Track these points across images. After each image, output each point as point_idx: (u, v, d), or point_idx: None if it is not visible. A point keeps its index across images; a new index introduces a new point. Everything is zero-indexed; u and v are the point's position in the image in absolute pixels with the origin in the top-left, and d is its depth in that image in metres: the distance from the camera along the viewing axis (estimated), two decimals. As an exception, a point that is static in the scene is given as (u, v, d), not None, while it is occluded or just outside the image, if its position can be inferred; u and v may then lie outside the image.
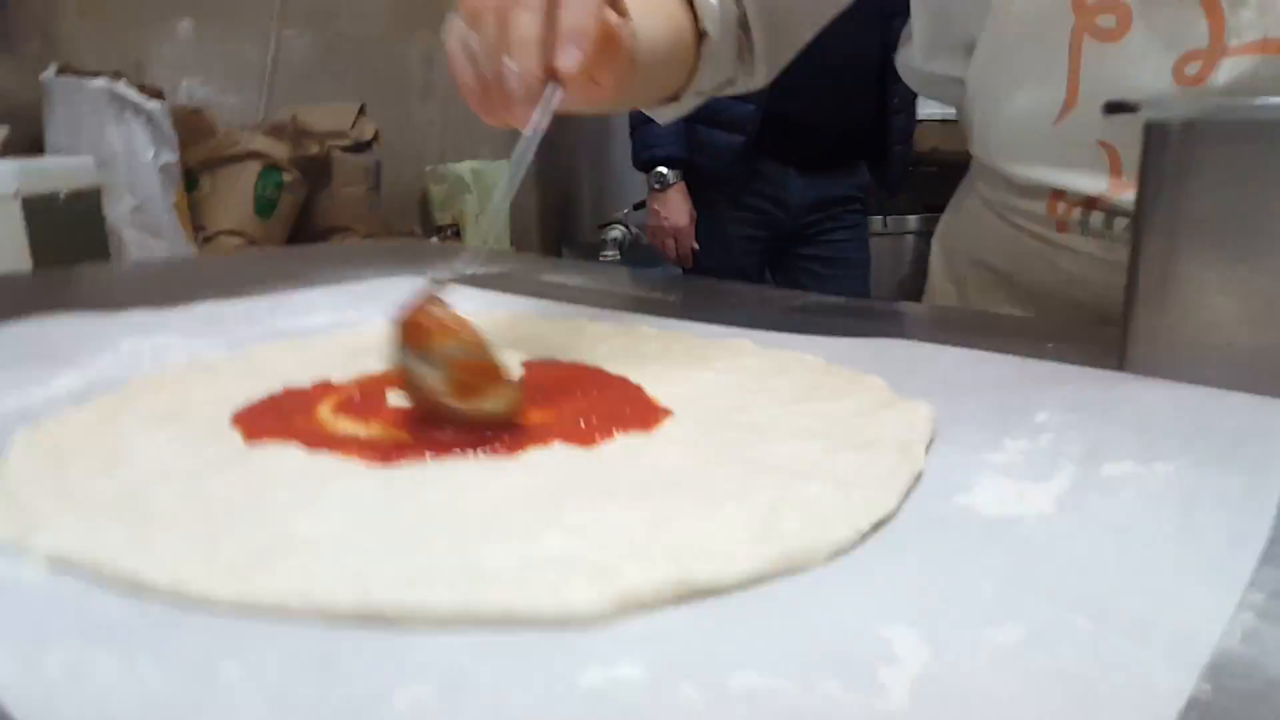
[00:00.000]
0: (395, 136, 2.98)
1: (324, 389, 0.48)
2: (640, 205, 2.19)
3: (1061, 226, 0.66)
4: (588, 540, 0.31)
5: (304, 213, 2.62)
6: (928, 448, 0.39)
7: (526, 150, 0.48)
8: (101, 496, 0.36)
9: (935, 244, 0.84)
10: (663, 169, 1.77)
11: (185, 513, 0.34)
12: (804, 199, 1.79)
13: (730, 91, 0.74)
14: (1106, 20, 0.59)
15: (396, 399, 0.46)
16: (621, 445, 0.40)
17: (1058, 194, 0.66)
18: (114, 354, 0.59)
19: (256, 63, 2.89)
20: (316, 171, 2.61)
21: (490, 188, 2.89)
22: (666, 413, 0.43)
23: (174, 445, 0.41)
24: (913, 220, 2.44)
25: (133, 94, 2.26)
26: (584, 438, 0.40)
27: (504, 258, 1.07)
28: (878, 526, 0.33)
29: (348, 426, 0.42)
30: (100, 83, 2.25)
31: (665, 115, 0.72)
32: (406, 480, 0.37)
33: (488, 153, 3.09)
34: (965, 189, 0.81)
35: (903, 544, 0.32)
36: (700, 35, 0.66)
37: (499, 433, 0.40)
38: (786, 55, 0.74)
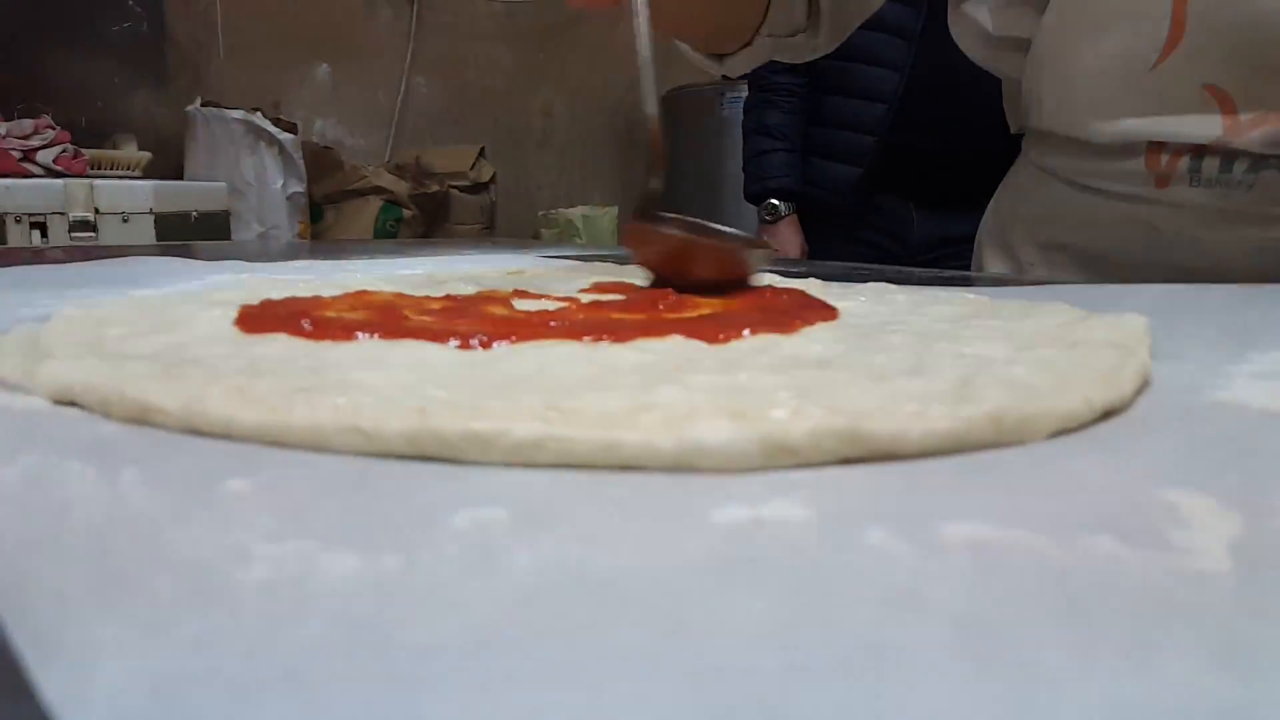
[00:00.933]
0: (511, 181, 3.02)
1: (411, 299, 0.42)
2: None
3: (1163, 181, 0.57)
4: (717, 394, 0.24)
5: (420, 248, 2.66)
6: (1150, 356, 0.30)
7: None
8: (133, 349, 0.30)
9: (981, 236, 0.75)
10: (775, 200, 1.70)
11: (225, 365, 0.28)
12: (924, 236, 1.68)
13: (794, 54, 0.71)
14: None
15: (495, 309, 0.40)
16: (752, 342, 0.32)
17: (1156, 145, 0.57)
18: (199, 281, 0.54)
19: (386, 107, 2.98)
20: (435, 209, 2.64)
21: (601, 232, 2.87)
22: (804, 321, 0.36)
23: (233, 322, 0.35)
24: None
25: (268, 126, 2.34)
26: (706, 334, 0.32)
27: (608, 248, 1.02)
28: (1109, 416, 0.24)
29: (432, 321, 0.36)
30: (239, 114, 2.33)
31: (737, 65, 0.69)
32: (491, 355, 0.30)
33: (599, 199, 3.09)
34: (1018, 170, 0.72)
35: (1153, 427, 0.23)
36: None
37: (606, 327, 0.33)
38: (851, 21, 0.70)
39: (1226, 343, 0.33)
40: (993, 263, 0.73)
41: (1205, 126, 0.53)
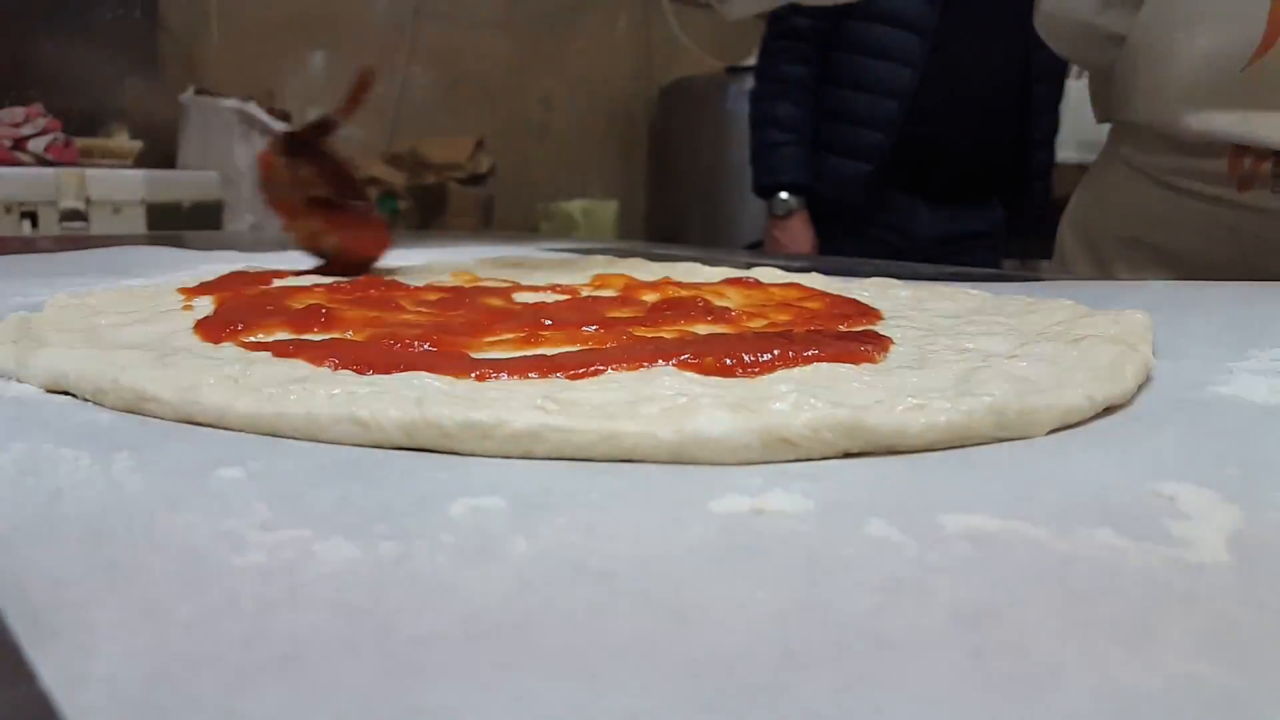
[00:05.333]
0: (510, 173, 3.00)
1: (407, 289, 0.42)
2: (753, 246, 2.10)
3: (1245, 184, 0.57)
4: (717, 387, 0.23)
5: (415, 241, 2.65)
6: (1152, 352, 0.30)
7: None
8: (126, 338, 0.30)
9: (1065, 230, 0.75)
10: (784, 194, 1.69)
11: (217, 354, 0.28)
12: (931, 232, 1.67)
13: None
14: None
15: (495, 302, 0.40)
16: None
17: (1240, 149, 0.58)
18: (190, 272, 0.54)
19: (382, 96, 2.96)
20: (431, 201, 2.63)
21: (601, 226, 2.87)
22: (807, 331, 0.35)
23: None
24: (1046, 265, 2.29)
25: (261, 114, 2.32)
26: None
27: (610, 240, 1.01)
28: (1111, 410, 0.24)
29: (426, 315, 0.36)
30: (232, 103, 2.32)
31: (740, 6, 0.67)
32: (489, 355, 0.30)
33: (599, 192, 3.08)
34: (1104, 163, 0.72)
35: (1154, 421, 0.23)
36: None
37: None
38: None
39: (1228, 339, 0.33)
40: (1074, 256, 0.73)
41: None
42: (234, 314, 0.32)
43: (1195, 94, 0.60)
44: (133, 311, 0.34)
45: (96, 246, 0.66)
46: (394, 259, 0.64)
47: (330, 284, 0.41)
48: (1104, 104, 0.71)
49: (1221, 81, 0.57)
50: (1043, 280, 0.47)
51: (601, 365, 0.25)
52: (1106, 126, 0.74)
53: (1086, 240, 0.72)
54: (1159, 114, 0.63)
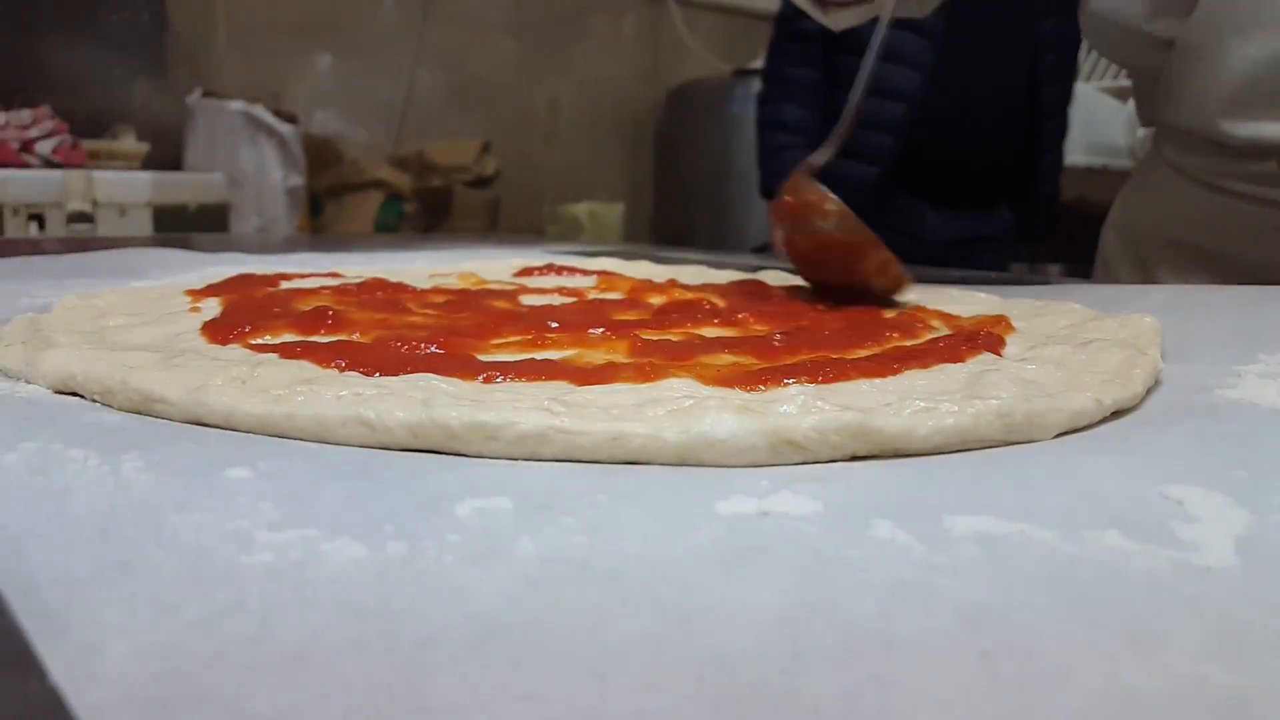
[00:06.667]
0: (516, 175, 3.00)
1: (414, 291, 0.42)
2: (760, 249, 2.10)
3: None
4: (725, 388, 0.23)
5: (421, 243, 2.65)
6: (1160, 356, 0.30)
7: None
8: (134, 339, 0.30)
9: (1109, 232, 0.75)
10: (791, 197, 1.67)
11: (225, 355, 0.28)
12: (939, 235, 1.66)
13: (914, 11, 0.68)
14: None
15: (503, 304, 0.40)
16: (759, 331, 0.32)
17: None
18: (197, 273, 0.54)
19: (388, 98, 2.96)
20: (437, 203, 2.63)
21: (607, 228, 2.87)
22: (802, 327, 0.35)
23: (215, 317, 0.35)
24: (1055, 270, 2.29)
25: (268, 116, 2.33)
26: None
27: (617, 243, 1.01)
28: (1119, 414, 0.24)
29: (432, 317, 0.36)
30: (238, 104, 2.33)
31: (845, 19, 0.66)
32: (496, 358, 0.30)
33: (605, 195, 3.08)
34: (1149, 165, 0.72)
35: (1162, 425, 0.23)
36: None
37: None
38: None
39: (1236, 343, 0.33)
40: (1118, 260, 0.72)
41: None
42: (241, 316, 0.32)
43: (1246, 100, 0.60)
44: (140, 313, 0.34)
45: (103, 248, 0.66)
46: (399, 261, 0.64)
47: (337, 286, 0.41)
48: (1149, 107, 0.71)
49: (1274, 89, 0.57)
50: (1050, 284, 0.47)
51: (613, 378, 0.24)
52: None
53: (1131, 244, 0.72)
54: (1206, 118, 0.62)
